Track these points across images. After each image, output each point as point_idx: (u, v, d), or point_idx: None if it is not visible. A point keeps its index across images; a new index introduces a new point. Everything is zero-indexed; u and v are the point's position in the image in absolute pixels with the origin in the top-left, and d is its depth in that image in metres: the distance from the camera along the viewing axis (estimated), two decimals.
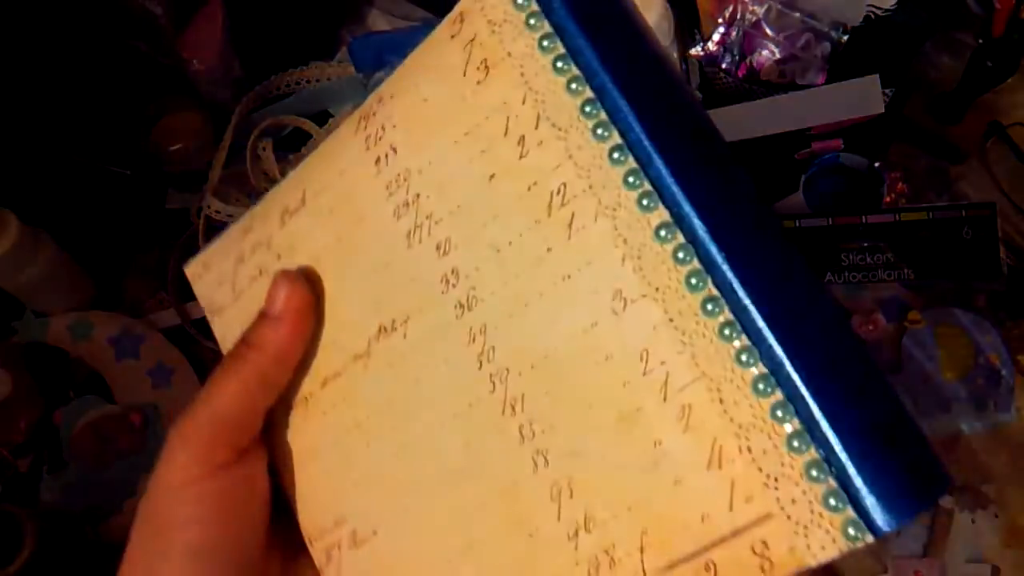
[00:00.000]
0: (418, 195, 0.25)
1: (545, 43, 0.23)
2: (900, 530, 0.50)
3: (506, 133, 0.24)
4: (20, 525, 0.46)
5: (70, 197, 0.56)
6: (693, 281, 0.20)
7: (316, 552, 0.28)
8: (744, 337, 0.20)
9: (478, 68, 0.24)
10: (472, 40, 0.24)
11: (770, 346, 0.20)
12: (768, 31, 0.58)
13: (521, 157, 0.23)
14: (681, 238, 0.21)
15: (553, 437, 0.23)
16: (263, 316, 0.27)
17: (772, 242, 0.21)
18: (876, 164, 0.58)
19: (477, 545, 0.25)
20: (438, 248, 0.25)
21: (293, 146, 0.60)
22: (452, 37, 0.25)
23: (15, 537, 0.46)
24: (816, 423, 0.19)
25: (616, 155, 0.22)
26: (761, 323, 0.20)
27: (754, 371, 0.20)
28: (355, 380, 0.26)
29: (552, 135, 0.23)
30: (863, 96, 0.55)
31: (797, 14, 0.57)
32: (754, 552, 0.20)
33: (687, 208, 0.21)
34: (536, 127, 0.23)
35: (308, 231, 0.28)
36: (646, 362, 0.21)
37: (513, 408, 0.23)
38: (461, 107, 0.24)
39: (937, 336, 0.53)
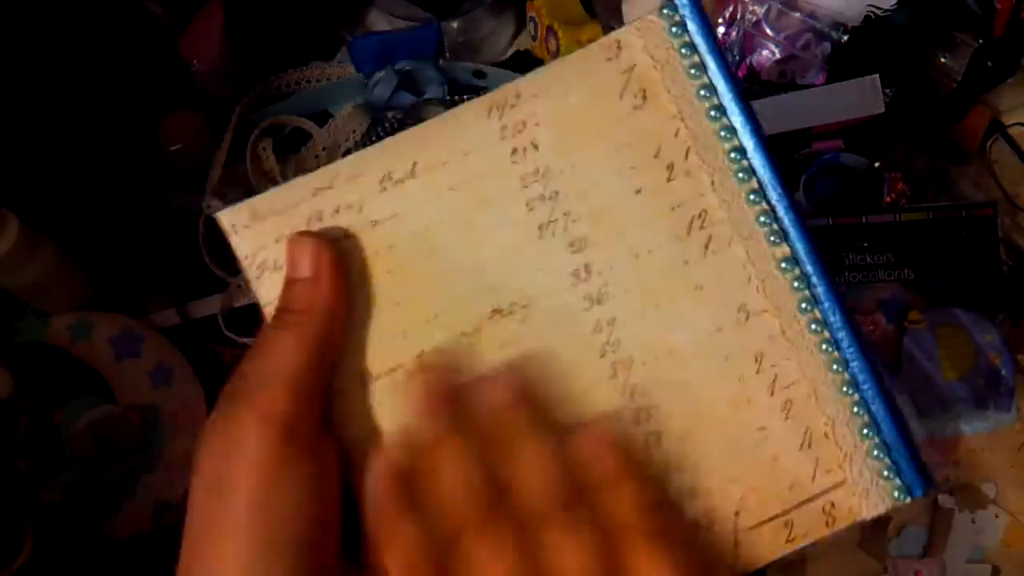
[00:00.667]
0: (557, 192, 0.28)
1: (703, 93, 0.28)
2: (902, 533, 0.50)
3: (657, 156, 0.28)
4: (20, 525, 0.46)
5: (70, 197, 0.56)
6: (804, 306, 0.28)
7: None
8: (837, 353, 0.27)
9: (635, 95, 0.28)
10: (631, 69, 0.28)
11: (853, 365, 0.27)
12: (768, 31, 0.58)
13: (669, 180, 0.28)
14: (798, 271, 0.28)
15: (667, 421, 0.27)
16: (294, 280, 0.26)
17: (841, 288, 0.30)
18: (876, 164, 0.58)
19: None
20: (571, 245, 0.28)
21: (293, 146, 0.60)
22: (608, 60, 0.28)
23: (15, 537, 0.46)
24: (878, 420, 0.27)
25: (753, 197, 0.28)
26: (849, 346, 0.27)
27: (841, 377, 0.27)
28: (457, 356, 0.28)
29: (700, 168, 0.28)
30: (863, 96, 0.55)
31: (797, 14, 0.57)
32: (823, 511, 0.27)
33: (802, 248, 0.28)
34: (686, 158, 0.28)
35: (418, 202, 0.28)
36: (760, 363, 0.28)
37: (632, 394, 0.27)
38: (615, 125, 0.28)
39: (937, 336, 0.53)
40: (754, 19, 0.58)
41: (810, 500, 0.27)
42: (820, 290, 0.28)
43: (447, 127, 0.29)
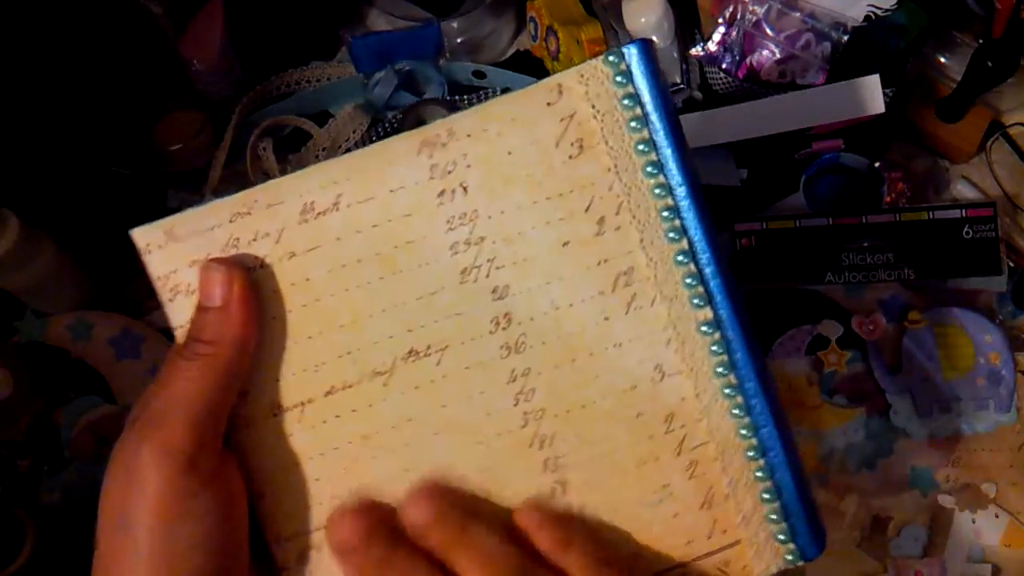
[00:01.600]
0: (483, 238, 0.28)
1: (641, 147, 0.27)
2: (902, 543, 0.50)
3: (588, 210, 0.28)
4: (20, 525, 0.46)
5: (70, 197, 0.56)
6: (720, 370, 0.28)
7: (284, 551, 0.28)
8: (748, 419, 0.28)
9: (572, 144, 0.28)
10: (571, 117, 0.28)
11: (762, 431, 0.28)
12: (768, 31, 0.58)
13: (598, 235, 0.28)
14: (718, 336, 0.28)
15: (576, 471, 0.28)
16: (205, 309, 0.26)
17: (761, 354, 0.29)
18: (876, 164, 0.58)
19: None
20: (494, 291, 0.28)
21: (293, 146, 0.60)
22: (548, 105, 0.28)
23: (15, 537, 0.46)
24: (780, 486, 0.28)
25: (681, 258, 0.27)
26: (761, 413, 0.28)
27: (749, 443, 0.28)
28: (370, 395, 0.28)
29: (631, 225, 0.28)
30: (863, 96, 0.55)
31: (797, 14, 0.57)
32: (717, 568, 0.28)
33: (726, 314, 0.28)
34: (617, 214, 0.28)
35: (339, 238, 0.28)
36: (670, 423, 0.28)
37: (541, 444, 0.28)
38: (548, 173, 0.28)
39: (937, 336, 0.53)
40: (754, 19, 0.58)
41: (705, 556, 0.28)
42: (739, 356, 0.28)
43: (375, 160, 0.28)
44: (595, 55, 0.28)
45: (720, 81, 0.60)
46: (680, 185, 0.27)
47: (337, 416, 0.28)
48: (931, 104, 0.60)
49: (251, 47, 0.62)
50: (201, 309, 0.26)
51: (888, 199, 0.58)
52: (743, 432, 0.28)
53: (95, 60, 0.57)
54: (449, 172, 0.28)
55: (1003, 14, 0.57)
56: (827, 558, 0.49)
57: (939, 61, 0.62)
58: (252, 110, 0.61)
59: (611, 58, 0.28)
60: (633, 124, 0.27)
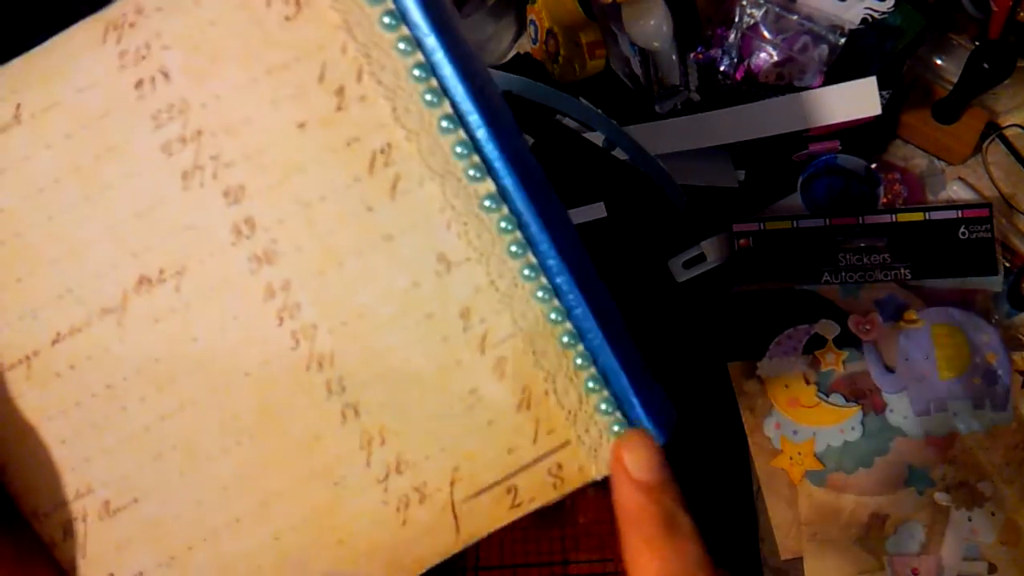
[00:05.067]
0: (199, 131, 0.23)
1: None
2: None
3: (321, 80, 0.22)
4: None
5: None
6: (514, 249, 0.23)
7: (47, 527, 0.24)
8: (556, 301, 0.23)
9: (286, 2, 0.22)
10: None
11: (575, 312, 0.23)
12: (766, 34, 0.58)
13: (339, 109, 0.23)
14: (506, 211, 0.23)
15: (365, 391, 0.23)
16: None
17: (569, 221, 0.24)
18: (873, 165, 0.58)
19: (273, 500, 0.24)
20: (227, 195, 0.23)
21: None
22: None
23: None
24: (606, 371, 0.24)
25: (446, 124, 0.22)
26: (570, 291, 0.23)
27: (562, 327, 0.23)
28: (104, 337, 0.23)
29: (377, 92, 0.22)
30: (860, 98, 0.56)
31: (795, 17, 0.58)
32: (550, 473, 0.24)
33: (511, 183, 0.23)
34: (359, 80, 0.22)
35: (27, 155, 0.23)
36: (466, 320, 0.23)
37: (320, 364, 0.23)
38: (263, 41, 0.22)
39: (934, 336, 0.54)
40: (752, 22, 0.58)
41: (533, 463, 0.24)
42: (533, 229, 0.23)
43: (55, 57, 0.23)
44: None
45: (719, 83, 0.61)
46: (430, 32, 0.22)
47: (71, 367, 0.24)
48: (927, 106, 0.61)
49: None
50: None
51: (885, 200, 0.58)
52: (553, 317, 0.23)
53: None
54: (144, 57, 0.23)
55: (999, 16, 0.58)
56: (824, 555, 0.50)
57: (935, 63, 0.63)
58: None
59: None
60: None
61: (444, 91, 0.23)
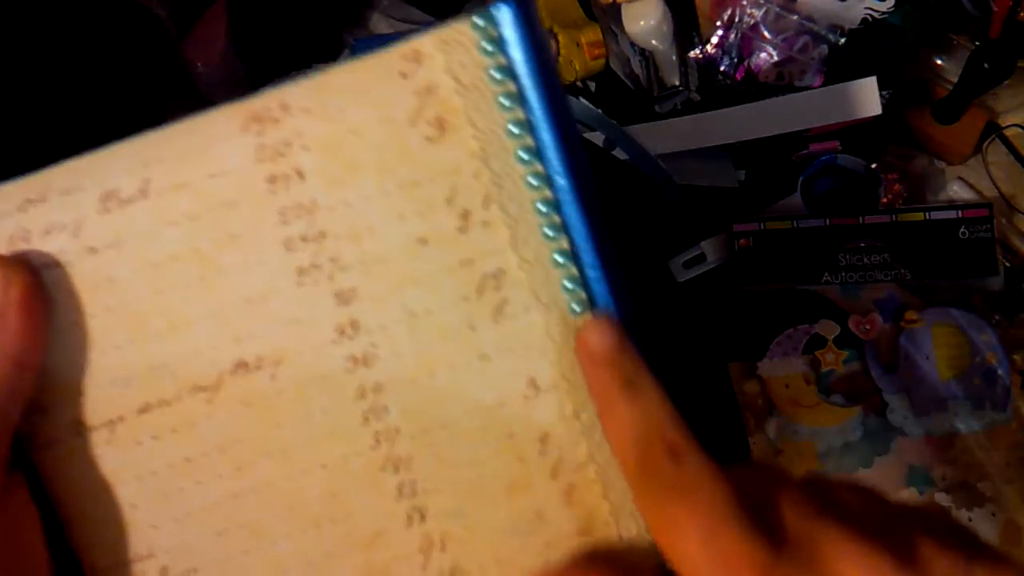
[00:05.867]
0: (323, 233, 0.23)
1: (514, 129, 0.23)
2: None
3: (449, 201, 0.23)
4: None
5: None
6: None
7: None
8: None
9: (430, 123, 0.23)
10: (429, 90, 0.23)
11: None
12: (766, 34, 0.58)
13: (461, 231, 0.23)
14: None
15: (435, 497, 0.24)
16: None
17: (655, 362, 0.24)
18: (873, 165, 0.58)
19: None
20: (338, 296, 0.24)
21: None
22: (403, 76, 0.23)
23: None
24: None
25: (560, 259, 0.23)
26: None
27: None
28: (192, 413, 0.24)
29: (500, 220, 0.23)
30: (860, 98, 0.56)
31: (795, 17, 0.58)
32: None
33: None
34: (484, 207, 0.23)
35: (148, 231, 0.24)
36: (544, 444, 0.24)
37: (396, 467, 0.24)
38: (401, 157, 0.23)
39: (934, 336, 0.54)
40: (752, 22, 0.58)
41: None
42: None
43: (192, 138, 0.24)
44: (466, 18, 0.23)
45: (718, 83, 0.61)
46: (560, 174, 0.23)
47: (154, 437, 0.24)
48: (927, 106, 0.61)
49: (255, 50, 0.62)
50: None
51: (885, 200, 0.58)
52: None
53: (98, 62, 0.58)
54: (282, 155, 0.23)
55: (999, 16, 0.58)
56: None
57: (935, 63, 0.63)
58: None
59: (479, 21, 0.23)
60: (505, 101, 0.23)
61: (564, 227, 0.23)
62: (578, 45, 0.59)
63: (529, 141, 0.23)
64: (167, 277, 0.24)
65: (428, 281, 0.24)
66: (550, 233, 0.23)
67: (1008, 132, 0.61)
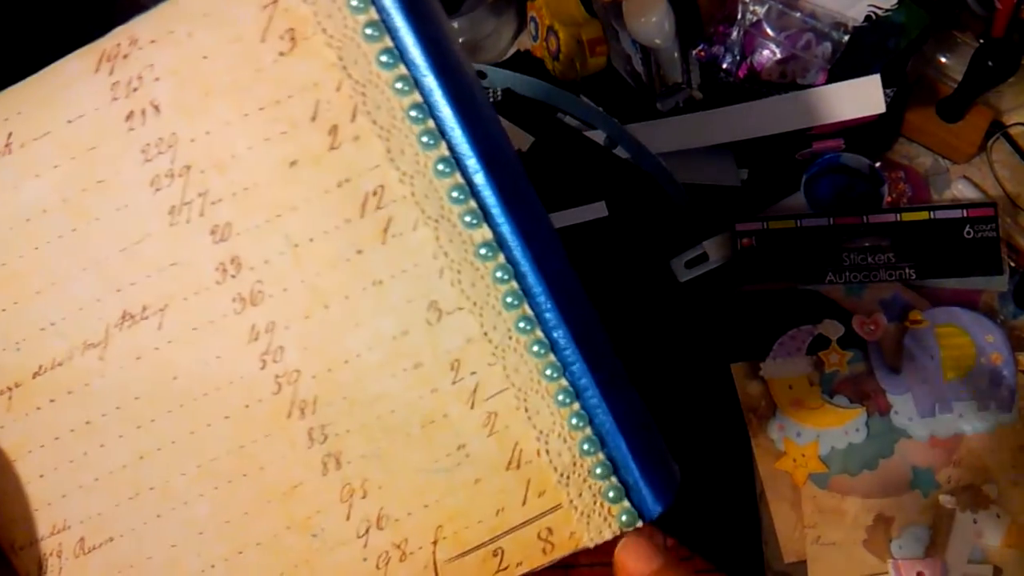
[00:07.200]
0: (188, 167, 0.22)
1: (370, 31, 0.21)
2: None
3: (314, 118, 0.22)
4: None
5: None
6: (510, 300, 0.22)
7: (23, 560, 0.24)
8: (552, 356, 0.22)
9: (281, 37, 0.22)
10: (275, 2, 0.22)
11: (572, 368, 0.22)
12: (769, 31, 0.58)
13: (332, 148, 0.22)
14: (502, 259, 0.22)
15: (348, 440, 0.23)
16: None
17: (570, 271, 0.23)
18: (877, 164, 0.58)
19: (248, 549, 0.24)
20: (213, 232, 0.22)
21: None
22: None
23: None
24: (602, 433, 0.22)
25: (442, 167, 0.22)
26: (566, 347, 0.22)
27: (557, 384, 0.22)
28: (86, 371, 0.23)
29: (372, 132, 0.22)
30: (864, 96, 0.55)
31: (798, 14, 0.57)
32: (539, 537, 0.23)
33: (508, 230, 0.22)
34: (353, 119, 0.22)
35: (15, 185, 0.23)
36: (457, 371, 0.22)
37: (302, 411, 0.23)
38: (256, 76, 0.22)
39: (938, 336, 0.53)
40: (755, 19, 0.58)
41: (522, 526, 0.23)
42: (531, 280, 0.22)
43: (46, 86, 0.23)
44: None
45: (720, 81, 0.60)
46: (429, 71, 0.22)
47: (51, 400, 0.23)
48: (932, 104, 0.60)
49: None
50: None
51: (889, 199, 0.58)
52: (548, 373, 0.23)
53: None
54: (135, 89, 0.22)
55: (1003, 14, 0.57)
56: (829, 558, 0.49)
57: (940, 61, 0.62)
58: None
59: None
60: (355, 3, 0.22)
61: (441, 133, 0.22)
62: (579, 42, 0.59)
63: (388, 42, 0.22)
64: (40, 231, 0.23)
65: (305, 206, 0.22)
66: (427, 140, 0.22)
67: (1013, 131, 0.60)
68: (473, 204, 0.22)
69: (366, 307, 0.22)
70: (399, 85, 0.22)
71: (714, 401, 0.53)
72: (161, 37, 0.22)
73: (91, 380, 0.23)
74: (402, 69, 0.22)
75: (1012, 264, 0.55)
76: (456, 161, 0.22)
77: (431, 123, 0.22)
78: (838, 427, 0.52)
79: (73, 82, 0.23)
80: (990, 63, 0.55)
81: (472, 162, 0.22)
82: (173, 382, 0.23)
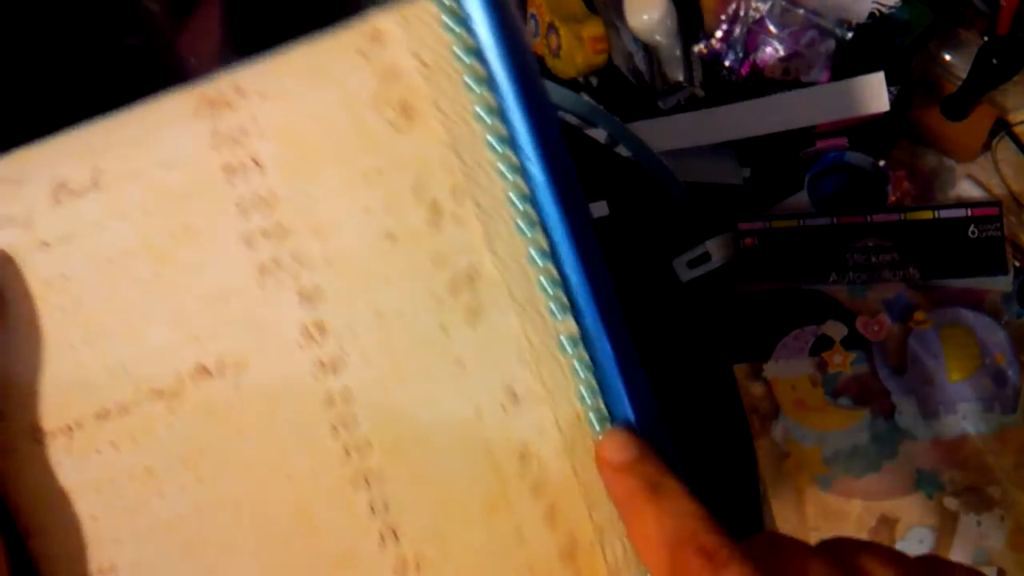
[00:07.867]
0: (285, 228, 0.22)
1: (484, 115, 0.21)
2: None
3: (417, 193, 0.22)
4: None
5: None
6: (585, 395, 0.22)
7: None
8: None
9: (393, 107, 0.22)
10: (391, 71, 0.22)
11: None
12: (772, 28, 0.57)
13: (431, 225, 0.22)
14: (584, 355, 0.22)
15: (408, 516, 0.23)
16: None
17: (639, 364, 0.23)
18: (881, 162, 0.57)
19: None
20: (301, 295, 0.22)
21: None
22: (363, 55, 0.22)
23: None
24: None
25: (537, 256, 0.22)
26: None
27: None
28: (152, 421, 0.23)
29: (473, 213, 0.22)
30: (868, 94, 0.55)
31: (801, 11, 0.57)
32: None
33: (592, 327, 0.22)
34: (455, 199, 0.22)
35: (100, 224, 0.22)
36: (525, 460, 0.22)
37: (367, 481, 0.23)
38: (362, 145, 0.22)
39: (943, 336, 0.53)
40: (758, 16, 0.57)
41: None
42: (611, 378, 0.22)
43: (142, 125, 0.22)
44: None
45: (723, 79, 0.60)
46: (535, 164, 0.22)
47: (113, 444, 0.23)
48: (936, 102, 0.60)
49: (250, 46, 0.61)
50: None
51: (893, 198, 0.57)
52: None
53: (89, 57, 0.57)
54: (237, 142, 0.22)
55: (1008, 11, 0.57)
56: None
57: (944, 59, 0.62)
58: None
59: None
60: (473, 84, 0.21)
61: (541, 223, 0.22)
62: (580, 39, 0.58)
63: (500, 127, 0.22)
64: (121, 274, 0.22)
65: (398, 280, 0.22)
66: (525, 228, 0.22)
67: (1017, 129, 0.60)
68: (562, 295, 0.22)
69: (444, 387, 0.22)
70: (505, 171, 0.22)
71: (717, 402, 0.52)
72: (271, 92, 0.22)
73: (157, 429, 0.23)
74: (510, 156, 0.22)
75: (1017, 263, 0.55)
76: (552, 253, 0.22)
77: (532, 212, 0.22)
78: (841, 428, 0.51)
79: (169, 124, 0.22)
80: (995, 61, 0.54)
81: (567, 253, 0.22)
82: (242, 440, 0.23)
